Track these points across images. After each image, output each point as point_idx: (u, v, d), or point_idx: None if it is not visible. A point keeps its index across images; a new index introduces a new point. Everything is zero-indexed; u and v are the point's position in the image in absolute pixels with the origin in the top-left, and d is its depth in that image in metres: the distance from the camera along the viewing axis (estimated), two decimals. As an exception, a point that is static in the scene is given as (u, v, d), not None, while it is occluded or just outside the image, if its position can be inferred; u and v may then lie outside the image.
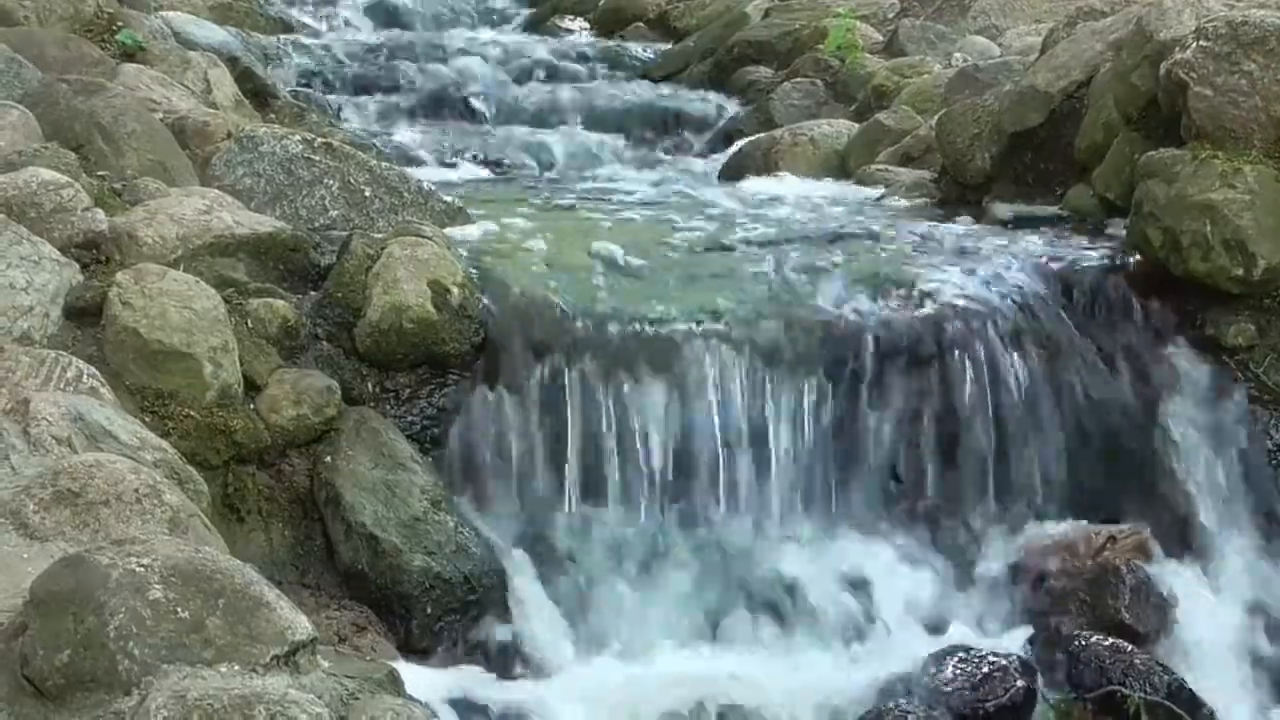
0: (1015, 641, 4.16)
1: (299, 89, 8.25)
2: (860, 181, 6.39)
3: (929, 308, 4.67)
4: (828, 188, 6.41)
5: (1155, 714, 3.93)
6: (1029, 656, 4.02)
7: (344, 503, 4.08)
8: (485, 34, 10.56)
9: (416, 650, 3.96)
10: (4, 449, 3.42)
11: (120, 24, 6.92)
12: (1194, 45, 4.81)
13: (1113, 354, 4.72)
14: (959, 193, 5.93)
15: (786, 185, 6.52)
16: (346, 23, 10.57)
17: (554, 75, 9.24)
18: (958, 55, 7.83)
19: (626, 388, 4.40)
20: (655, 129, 8.43)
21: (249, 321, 4.28)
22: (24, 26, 6.34)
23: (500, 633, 4.05)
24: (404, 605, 4.00)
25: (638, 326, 4.51)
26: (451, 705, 3.64)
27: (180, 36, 7.52)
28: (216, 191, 4.85)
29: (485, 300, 4.50)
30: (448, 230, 4.94)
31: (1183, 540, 4.53)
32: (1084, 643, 4.05)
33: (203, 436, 4.02)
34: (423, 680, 3.52)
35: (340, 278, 4.46)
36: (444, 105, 8.49)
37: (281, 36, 9.38)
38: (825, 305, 4.65)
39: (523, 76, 9.13)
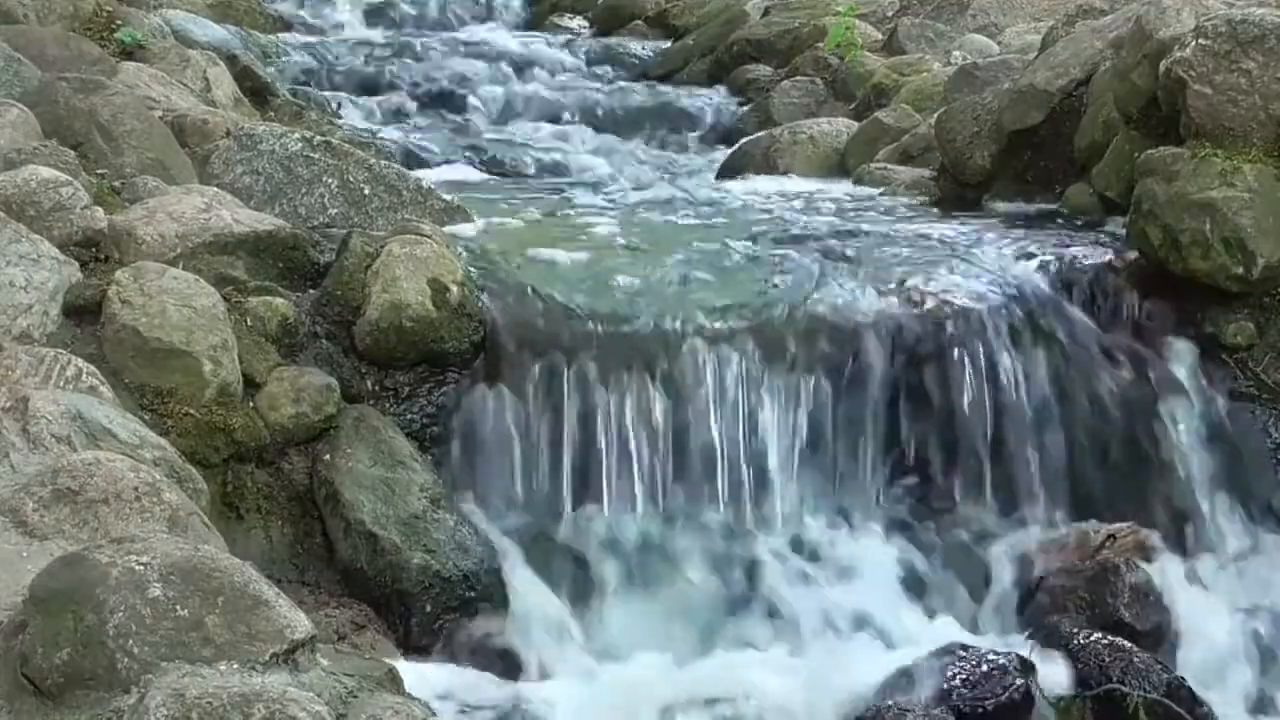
0: (1014, 640, 4.16)
1: (298, 87, 8.25)
2: (859, 180, 6.39)
3: (928, 306, 4.67)
4: (827, 186, 6.40)
5: (1154, 712, 3.92)
6: (1028, 655, 4.01)
7: (343, 500, 4.08)
8: (484, 32, 10.56)
9: (416, 648, 3.96)
10: (3, 447, 3.42)
11: (120, 22, 6.94)
12: (1193, 43, 4.80)
13: (1112, 352, 4.72)
14: (958, 191, 5.93)
15: (786, 184, 6.52)
16: (346, 21, 10.57)
17: (553, 73, 9.24)
18: (957, 53, 7.83)
19: (625, 386, 4.40)
20: (654, 127, 8.43)
21: (248, 319, 4.28)
22: (24, 24, 6.35)
23: (499, 631, 4.05)
24: (403, 603, 4.00)
25: (636, 325, 4.51)
26: (450, 703, 3.64)
27: (180, 34, 7.53)
28: (215, 189, 4.85)
29: (484, 299, 4.50)
30: (447, 228, 4.94)
31: (1182, 539, 4.53)
32: (1083, 641, 4.04)
33: (202, 435, 4.02)
34: (422, 678, 3.52)
35: (339, 276, 4.46)
36: (443, 104, 8.49)
37: (281, 35, 9.38)
38: (824, 304, 4.65)
39: (522, 75, 9.13)
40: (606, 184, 6.80)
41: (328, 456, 4.16)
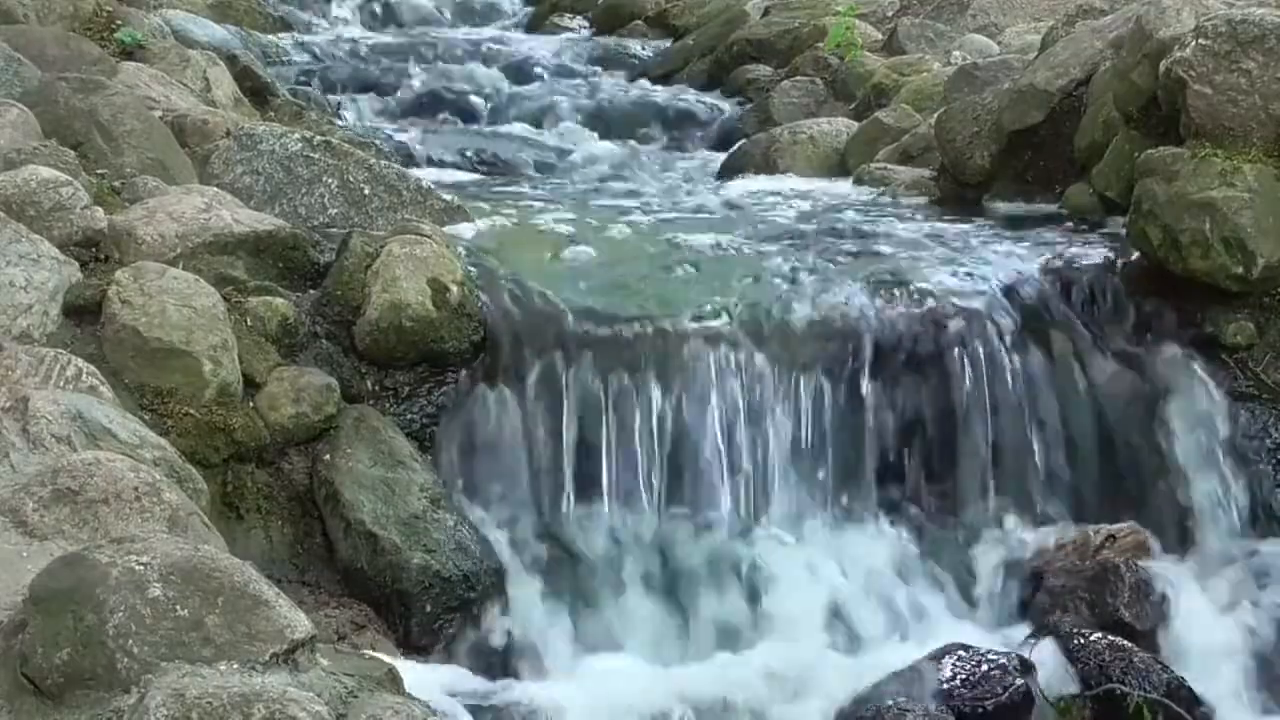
0: (1015, 640, 4.16)
1: (298, 87, 8.24)
2: (859, 180, 6.38)
3: (928, 306, 4.67)
4: (827, 186, 6.40)
5: (1154, 712, 3.92)
6: (1028, 655, 4.02)
7: (343, 500, 4.08)
8: (484, 32, 10.56)
9: (416, 648, 3.96)
10: (3, 447, 3.42)
11: (120, 22, 6.94)
12: (1193, 43, 4.80)
13: (1112, 352, 4.72)
14: (958, 191, 5.93)
15: (786, 184, 6.52)
16: (346, 21, 10.57)
17: (553, 74, 9.24)
18: (957, 53, 7.82)
19: (625, 386, 4.40)
20: (654, 127, 8.42)
21: (248, 319, 4.28)
22: (24, 24, 6.35)
23: (499, 631, 4.05)
24: (403, 603, 4.00)
25: (636, 325, 4.51)
26: (450, 703, 3.63)
27: (180, 34, 7.53)
28: (215, 189, 4.85)
29: (484, 298, 4.50)
30: (447, 229, 4.94)
31: (1182, 539, 4.53)
32: (1083, 641, 4.04)
33: (202, 434, 4.02)
34: (422, 678, 3.52)
35: (339, 276, 4.46)
36: (443, 104, 8.48)
37: (281, 35, 9.38)
38: (824, 304, 4.65)
39: (521, 75, 9.13)
40: (606, 184, 6.80)
41: (328, 456, 4.16)
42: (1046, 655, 4.04)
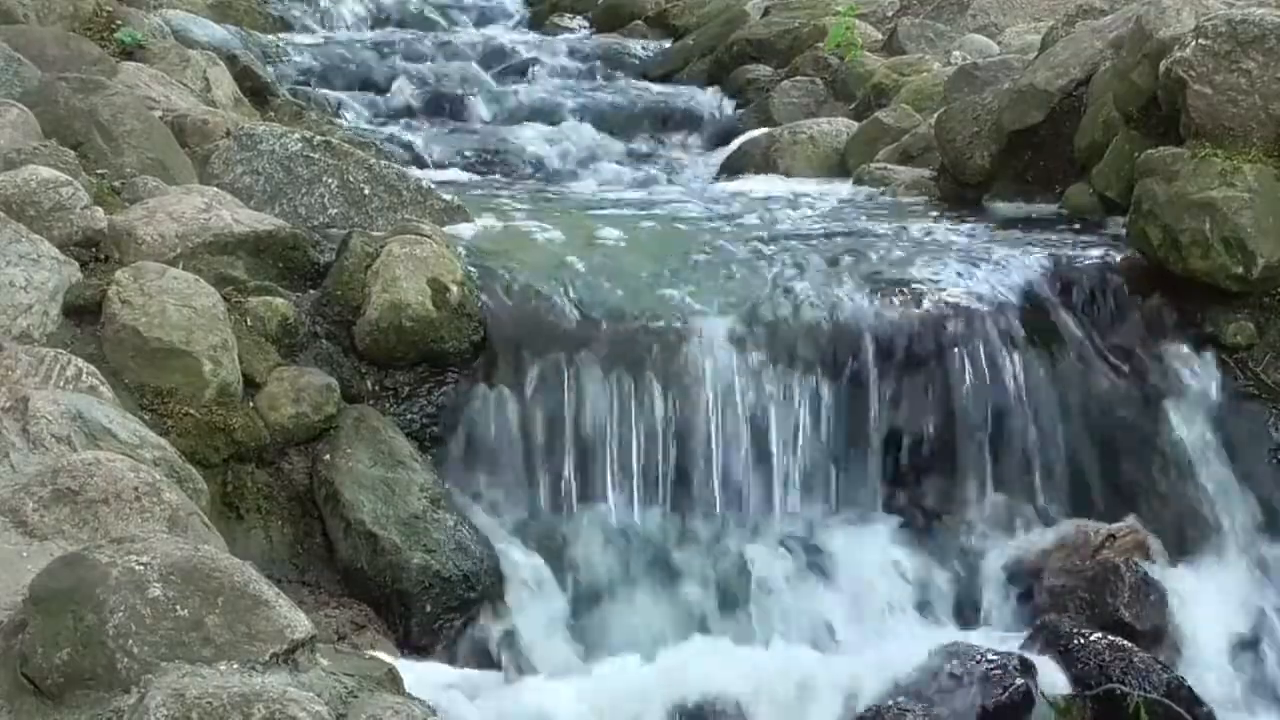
0: (1015, 640, 4.16)
1: (298, 87, 8.24)
2: (860, 180, 6.39)
3: (928, 306, 4.67)
4: (827, 186, 6.41)
5: (1154, 712, 3.92)
6: (1028, 655, 4.01)
7: (343, 500, 4.08)
8: (485, 32, 10.55)
9: (416, 648, 3.96)
10: (3, 447, 3.42)
11: (120, 22, 6.94)
12: (1193, 43, 4.81)
13: (1112, 352, 4.72)
14: (958, 191, 5.93)
15: (785, 183, 6.53)
16: (346, 21, 10.56)
17: (553, 74, 9.24)
18: (957, 53, 7.82)
19: (625, 386, 4.40)
20: (654, 127, 8.42)
21: (248, 319, 4.29)
22: (24, 24, 6.35)
23: (499, 630, 4.05)
24: (403, 603, 4.00)
25: (636, 324, 4.51)
26: (451, 703, 3.64)
27: (179, 34, 7.53)
28: (215, 189, 4.85)
29: (484, 298, 4.50)
30: (447, 228, 4.94)
31: (1182, 539, 4.53)
32: (1083, 641, 4.04)
33: (202, 434, 4.03)
34: (422, 678, 3.52)
35: (339, 276, 4.46)
36: (443, 104, 8.48)
37: (281, 35, 9.38)
38: (824, 303, 4.65)
39: (521, 75, 9.13)
40: (606, 184, 6.81)
41: (328, 456, 4.16)
42: (1046, 655, 4.04)
